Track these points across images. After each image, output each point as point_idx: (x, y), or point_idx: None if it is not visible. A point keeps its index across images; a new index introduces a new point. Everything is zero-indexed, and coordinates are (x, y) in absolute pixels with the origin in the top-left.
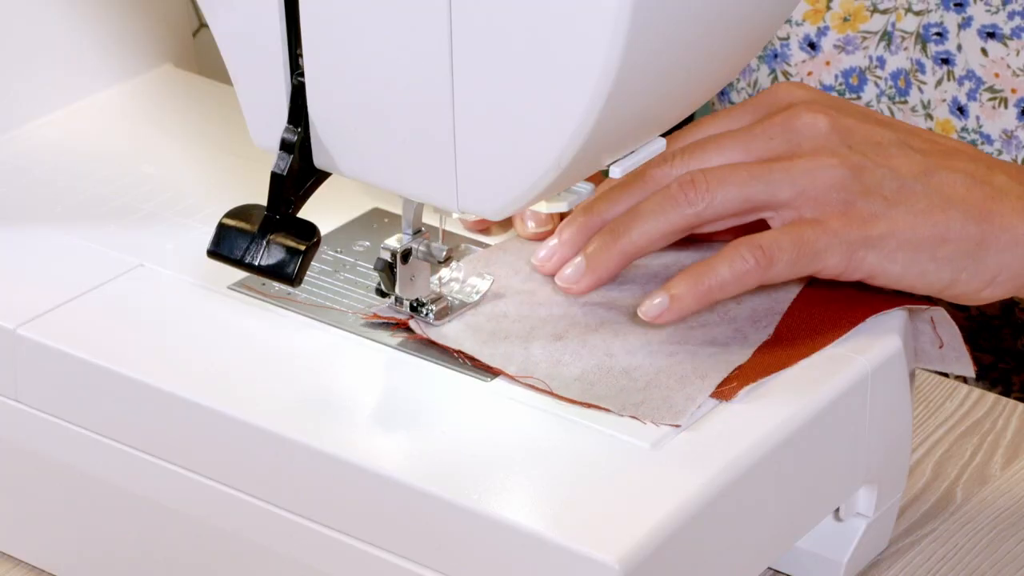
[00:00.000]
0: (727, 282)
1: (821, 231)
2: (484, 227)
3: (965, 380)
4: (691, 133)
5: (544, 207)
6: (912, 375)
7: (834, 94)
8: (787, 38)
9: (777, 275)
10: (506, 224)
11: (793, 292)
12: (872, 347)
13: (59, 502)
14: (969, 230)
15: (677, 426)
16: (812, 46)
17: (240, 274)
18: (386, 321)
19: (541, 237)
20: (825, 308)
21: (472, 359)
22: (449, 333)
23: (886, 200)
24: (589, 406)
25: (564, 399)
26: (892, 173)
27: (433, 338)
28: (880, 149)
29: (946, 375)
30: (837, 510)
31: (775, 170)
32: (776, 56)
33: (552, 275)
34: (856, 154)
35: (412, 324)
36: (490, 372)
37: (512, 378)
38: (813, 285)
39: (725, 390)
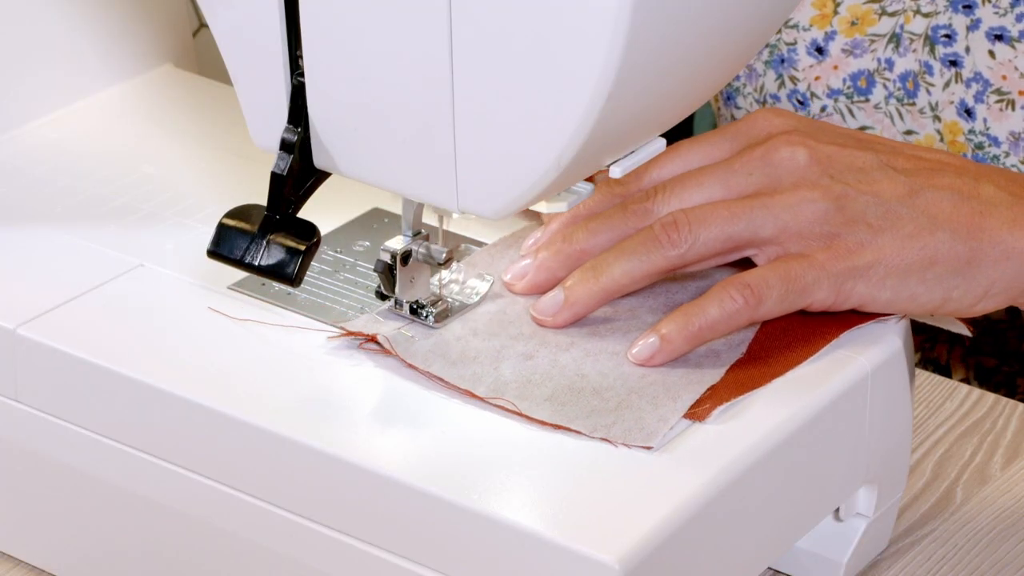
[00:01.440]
0: (717, 322)
1: (808, 265)
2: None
3: (967, 381)
4: (670, 159)
5: (544, 207)
6: (912, 375)
7: (842, 97)
8: (794, 43)
9: (767, 312)
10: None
11: None
12: (872, 347)
13: (59, 502)
14: (958, 249)
15: (649, 448)
16: (819, 51)
17: (240, 274)
18: (355, 336)
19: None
20: (797, 326)
21: (442, 380)
22: (418, 352)
23: (871, 228)
24: (560, 428)
25: (534, 421)
26: (876, 199)
27: (402, 356)
28: (862, 175)
29: (947, 375)
30: (837, 510)
31: (756, 207)
32: (783, 62)
33: (521, 295)
34: (838, 183)
35: (381, 339)
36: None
37: (482, 400)
38: None
39: (698, 411)
